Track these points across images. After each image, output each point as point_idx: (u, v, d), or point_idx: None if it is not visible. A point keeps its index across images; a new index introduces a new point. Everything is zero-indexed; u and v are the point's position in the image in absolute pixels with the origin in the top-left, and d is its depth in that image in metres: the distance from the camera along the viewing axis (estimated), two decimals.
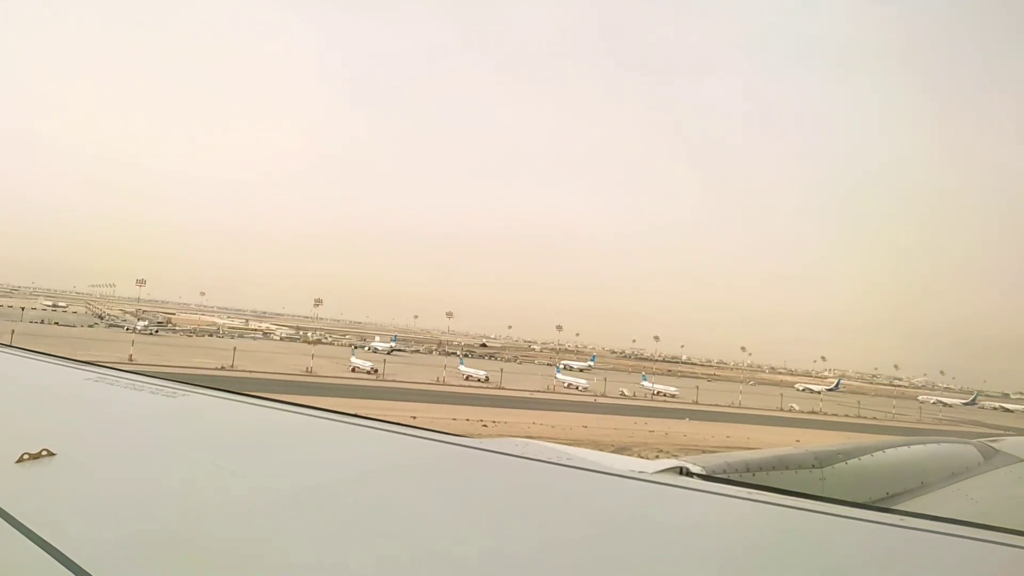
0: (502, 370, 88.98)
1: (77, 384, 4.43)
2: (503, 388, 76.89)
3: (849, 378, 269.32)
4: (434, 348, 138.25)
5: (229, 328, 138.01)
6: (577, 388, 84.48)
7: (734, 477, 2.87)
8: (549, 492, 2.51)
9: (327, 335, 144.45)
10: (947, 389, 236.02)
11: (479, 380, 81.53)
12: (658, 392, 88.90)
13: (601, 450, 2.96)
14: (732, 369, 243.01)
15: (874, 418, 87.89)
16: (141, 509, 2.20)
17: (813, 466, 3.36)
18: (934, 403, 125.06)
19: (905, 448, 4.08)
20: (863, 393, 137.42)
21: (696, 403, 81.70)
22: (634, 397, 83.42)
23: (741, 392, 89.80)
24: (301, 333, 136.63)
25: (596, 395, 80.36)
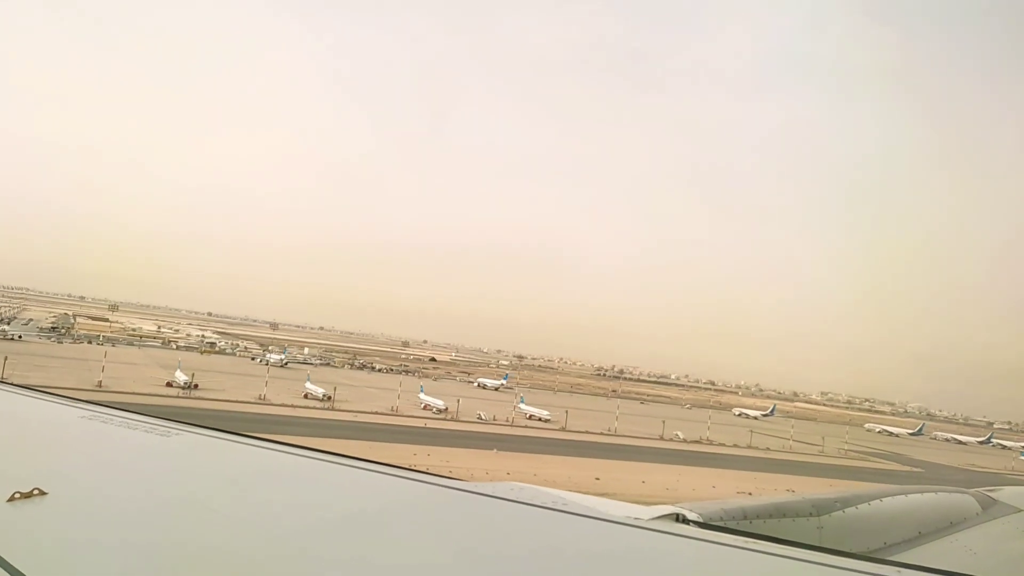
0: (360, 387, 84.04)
1: (71, 422, 4.33)
2: (336, 409, 71.02)
3: (836, 402, 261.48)
4: (350, 362, 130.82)
5: (130, 335, 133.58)
6: (434, 410, 78.40)
7: (731, 525, 2.84)
8: (544, 539, 2.49)
9: (236, 345, 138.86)
10: (946, 419, 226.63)
11: (318, 397, 76.03)
12: (531, 416, 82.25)
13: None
14: (712, 389, 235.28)
15: (767, 448, 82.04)
16: (132, 551, 2.19)
17: (811, 514, 3.31)
18: (880, 432, 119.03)
19: (903, 497, 4.03)
20: (810, 419, 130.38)
21: (563, 429, 76.04)
22: (492, 421, 76.73)
23: (617, 419, 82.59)
24: (207, 343, 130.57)
25: (451, 417, 74.94)
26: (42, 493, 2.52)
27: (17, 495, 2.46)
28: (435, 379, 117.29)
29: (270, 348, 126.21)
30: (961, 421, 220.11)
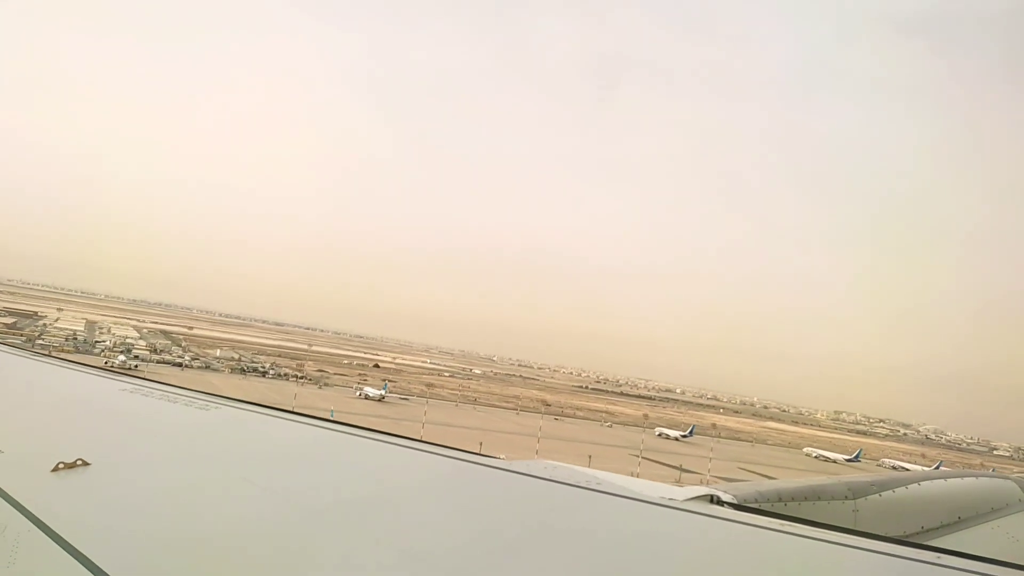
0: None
1: (112, 395, 4.51)
2: None
3: (840, 422, 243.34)
4: (235, 364, 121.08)
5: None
6: None
7: (765, 507, 2.82)
8: (577, 518, 2.48)
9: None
10: (948, 443, 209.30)
11: None
12: None
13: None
14: (706, 407, 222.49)
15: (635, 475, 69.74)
16: (172, 521, 2.25)
17: (846, 497, 3.28)
18: (816, 457, 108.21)
19: (941, 481, 3.98)
20: (744, 440, 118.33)
21: None
22: None
23: (482, 440, 73.03)
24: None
25: None
26: (85, 464, 2.59)
27: (61, 465, 2.54)
28: (321, 386, 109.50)
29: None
30: (966, 446, 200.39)
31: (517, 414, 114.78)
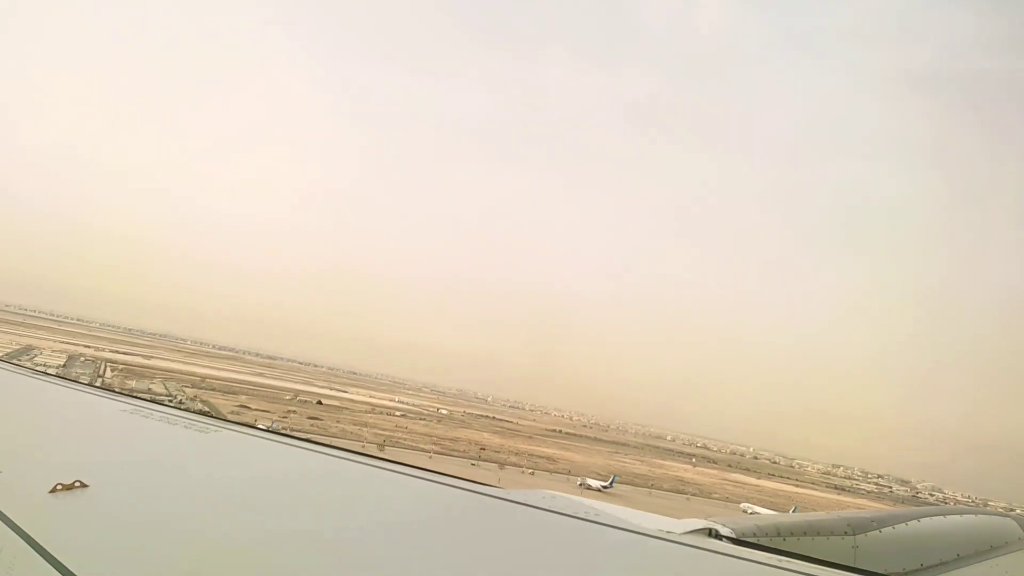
0: None
1: (112, 416, 4.48)
2: None
3: (830, 475, 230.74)
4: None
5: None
6: None
7: (764, 541, 2.80)
8: (575, 550, 2.50)
9: None
10: (944, 498, 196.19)
11: None
12: None
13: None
14: (691, 455, 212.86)
15: None
16: (170, 545, 2.22)
17: (846, 533, 3.24)
18: (751, 512, 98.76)
19: (941, 518, 3.94)
20: (680, 493, 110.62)
21: None
22: None
23: None
24: None
25: None
26: (83, 485, 2.56)
27: (59, 487, 2.51)
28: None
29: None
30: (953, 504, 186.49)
31: (430, 457, 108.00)
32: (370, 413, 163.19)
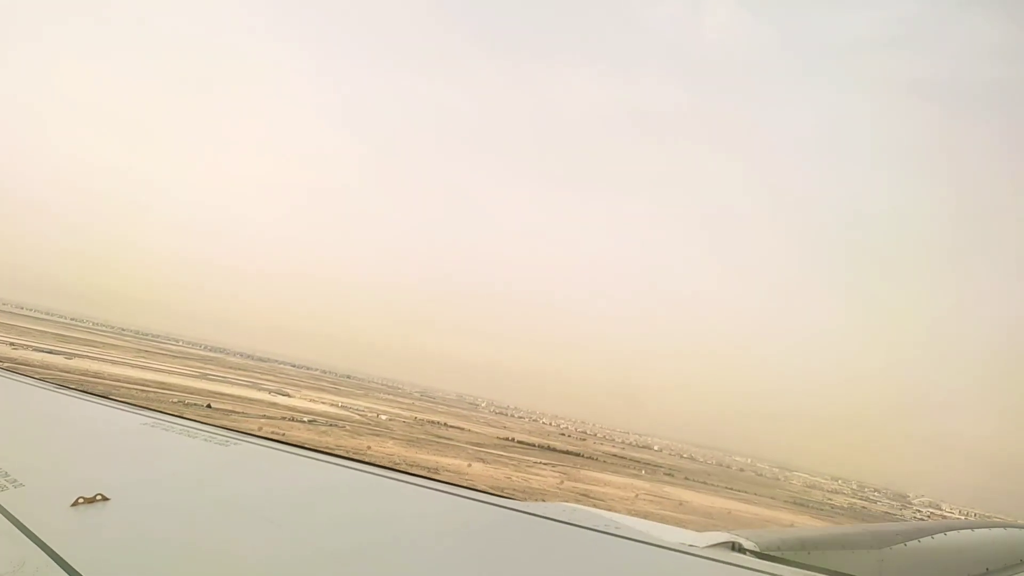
0: None
1: (132, 429, 4.50)
2: None
3: (829, 490, 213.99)
4: None
5: None
6: None
7: (788, 555, 2.75)
8: (597, 564, 2.49)
9: None
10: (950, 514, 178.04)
11: None
12: None
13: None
14: (670, 467, 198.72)
15: None
16: (190, 559, 2.24)
17: (872, 547, 3.15)
18: None
19: (969, 532, 3.80)
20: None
21: None
22: None
23: None
24: None
25: None
26: (104, 499, 2.58)
27: (81, 500, 2.53)
28: None
29: None
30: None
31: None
32: (263, 418, 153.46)
